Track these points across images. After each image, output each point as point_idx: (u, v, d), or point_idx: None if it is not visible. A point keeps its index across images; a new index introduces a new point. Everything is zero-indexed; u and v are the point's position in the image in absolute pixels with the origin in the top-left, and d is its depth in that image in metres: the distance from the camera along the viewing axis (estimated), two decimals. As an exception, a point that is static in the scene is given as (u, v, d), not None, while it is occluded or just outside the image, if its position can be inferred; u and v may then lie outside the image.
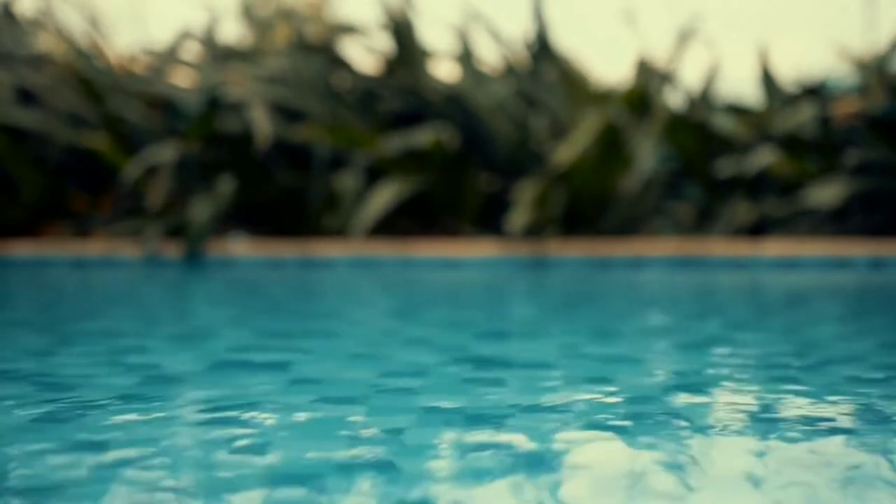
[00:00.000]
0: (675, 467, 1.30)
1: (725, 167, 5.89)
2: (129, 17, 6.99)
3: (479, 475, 1.27)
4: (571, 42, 7.06)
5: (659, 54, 6.20)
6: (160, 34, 6.79)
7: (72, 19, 8.18)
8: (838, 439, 1.46)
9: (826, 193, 5.66)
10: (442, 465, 1.32)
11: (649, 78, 6.09)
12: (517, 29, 6.40)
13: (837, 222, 5.79)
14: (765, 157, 5.74)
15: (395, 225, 5.86)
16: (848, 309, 3.63)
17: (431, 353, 2.29)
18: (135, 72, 6.45)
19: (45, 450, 1.38)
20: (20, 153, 6.03)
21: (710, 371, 2.09)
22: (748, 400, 1.76)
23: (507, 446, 1.39)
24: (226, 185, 5.73)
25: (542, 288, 4.56)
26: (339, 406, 1.67)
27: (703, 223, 5.90)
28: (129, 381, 1.89)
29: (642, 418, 1.56)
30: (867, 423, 1.56)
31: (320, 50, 6.28)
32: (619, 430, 1.49)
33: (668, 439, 1.44)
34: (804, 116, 6.02)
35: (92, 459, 1.33)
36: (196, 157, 5.93)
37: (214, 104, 5.90)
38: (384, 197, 5.59)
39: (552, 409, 1.65)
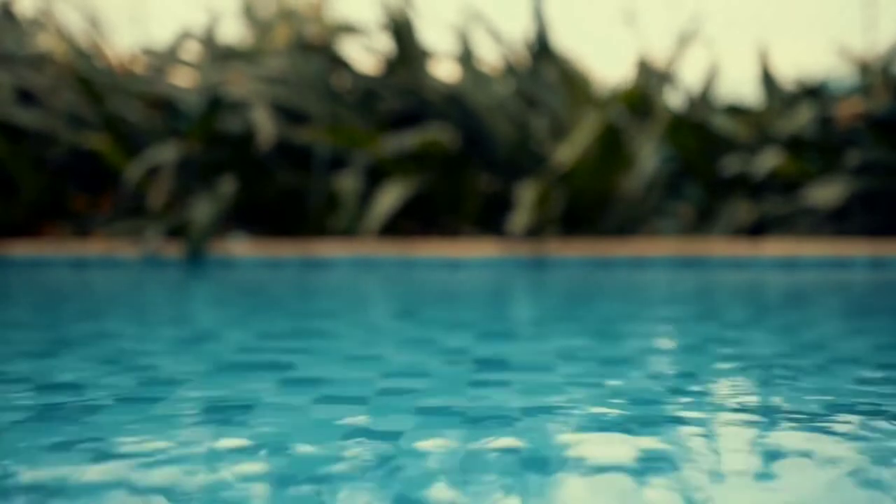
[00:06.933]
0: (675, 468, 1.30)
1: (729, 165, 5.89)
2: (129, 17, 6.98)
3: (480, 476, 1.27)
4: (571, 42, 7.05)
5: (659, 54, 6.20)
6: (160, 34, 6.79)
7: (72, 19, 8.17)
8: (838, 439, 1.46)
9: (826, 193, 5.66)
10: (443, 465, 1.32)
11: (649, 78, 6.09)
12: (517, 29, 6.40)
13: (837, 222, 5.79)
14: (770, 160, 5.74)
15: (395, 225, 5.86)
16: (848, 309, 3.63)
17: (433, 354, 2.29)
18: (135, 72, 6.45)
19: (44, 450, 1.38)
20: (20, 153, 6.03)
21: (711, 371, 2.09)
22: (748, 400, 1.76)
23: (507, 447, 1.39)
24: (227, 186, 5.73)
25: (543, 288, 4.56)
26: (340, 406, 1.66)
27: (703, 223, 5.90)
28: (129, 382, 1.89)
29: (643, 419, 1.56)
30: (868, 423, 1.55)
31: (320, 50, 6.27)
32: (620, 431, 1.49)
33: (668, 440, 1.44)
34: (804, 117, 6.02)
35: (91, 460, 1.33)
36: (197, 158, 5.93)
37: (215, 104, 5.90)
38: (392, 197, 5.59)
39: (553, 409, 1.65)
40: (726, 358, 2.28)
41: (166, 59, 6.48)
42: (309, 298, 4.18)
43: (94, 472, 1.28)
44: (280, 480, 1.25)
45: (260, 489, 1.22)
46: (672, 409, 1.66)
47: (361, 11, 6.55)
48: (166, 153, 5.81)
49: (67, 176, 6.15)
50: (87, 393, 1.80)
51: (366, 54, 6.44)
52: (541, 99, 6.15)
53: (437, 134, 5.78)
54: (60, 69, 6.25)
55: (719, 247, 5.55)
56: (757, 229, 5.83)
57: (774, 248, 5.50)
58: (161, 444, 1.42)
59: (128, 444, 1.43)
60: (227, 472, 1.29)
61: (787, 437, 1.48)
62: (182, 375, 1.99)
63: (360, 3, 6.54)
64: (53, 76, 6.23)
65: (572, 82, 6.21)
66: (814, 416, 1.60)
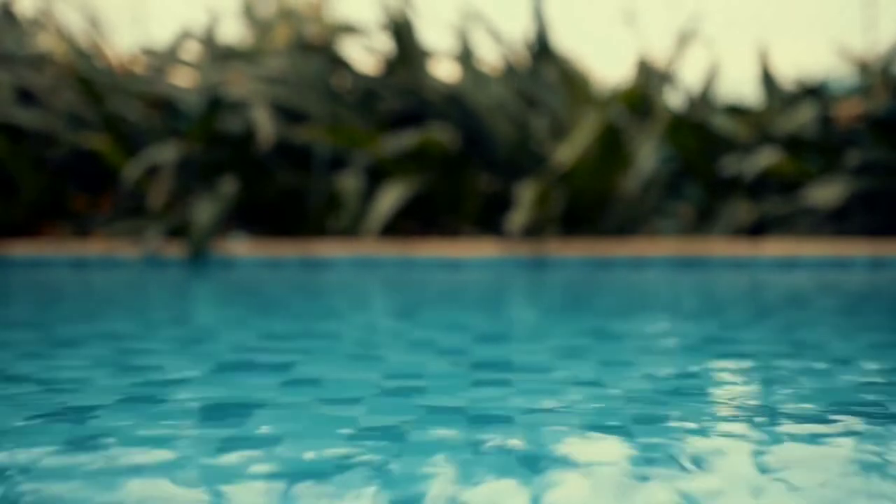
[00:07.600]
0: (675, 469, 1.30)
1: (729, 165, 5.89)
2: (129, 17, 6.98)
3: (480, 476, 1.27)
4: (571, 42, 7.06)
5: (659, 54, 6.20)
6: (160, 34, 6.79)
7: (72, 19, 8.17)
8: (838, 440, 1.46)
9: (826, 193, 5.66)
10: (443, 465, 1.32)
11: (649, 78, 6.09)
12: (517, 29, 6.40)
13: (837, 222, 5.79)
14: (766, 158, 5.74)
15: (395, 225, 5.86)
16: (847, 309, 3.63)
17: (433, 355, 2.29)
18: (135, 72, 6.45)
19: (45, 451, 1.38)
20: (20, 153, 6.03)
21: (710, 372, 2.09)
22: (748, 401, 1.76)
23: (506, 447, 1.39)
24: (229, 186, 5.73)
25: (543, 288, 4.56)
26: (340, 406, 1.67)
27: (703, 223, 5.90)
28: (129, 382, 1.89)
29: (643, 419, 1.56)
30: (867, 423, 1.56)
31: (320, 50, 6.28)
32: (619, 432, 1.49)
33: (668, 441, 1.45)
34: (804, 117, 6.02)
35: (90, 460, 1.34)
36: (197, 158, 5.93)
37: (215, 104, 5.90)
38: (392, 197, 5.59)
39: (553, 409, 1.65)
40: (726, 358, 2.29)
41: (166, 59, 6.48)
42: (309, 298, 4.18)
43: (93, 473, 1.29)
44: (280, 480, 1.25)
45: (260, 489, 1.22)
46: (672, 410, 1.66)
47: (361, 11, 6.55)
48: (166, 153, 5.81)
49: (67, 176, 6.16)
50: (88, 393, 1.80)
51: (366, 54, 6.44)
52: (541, 99, 6.15)
53: (437, 134, 5.79)
54: (60, 69, 6.25)
55: (719, 247, 5.56)
56: (757, 229, 5.83)
57: (774, 248, 5.50)
58: (161, 444, 1.42)
59: (127, 444, 1.43)
60: (227, 472, 1.29)
61: (785, 437, 1.48)
62: (182, 375, 1.99)
63: (360, 3, 6.54)
64: (53, 76, 6.24)
65: (572, 82, 6.21)
66: (813, 416, 1.60)
